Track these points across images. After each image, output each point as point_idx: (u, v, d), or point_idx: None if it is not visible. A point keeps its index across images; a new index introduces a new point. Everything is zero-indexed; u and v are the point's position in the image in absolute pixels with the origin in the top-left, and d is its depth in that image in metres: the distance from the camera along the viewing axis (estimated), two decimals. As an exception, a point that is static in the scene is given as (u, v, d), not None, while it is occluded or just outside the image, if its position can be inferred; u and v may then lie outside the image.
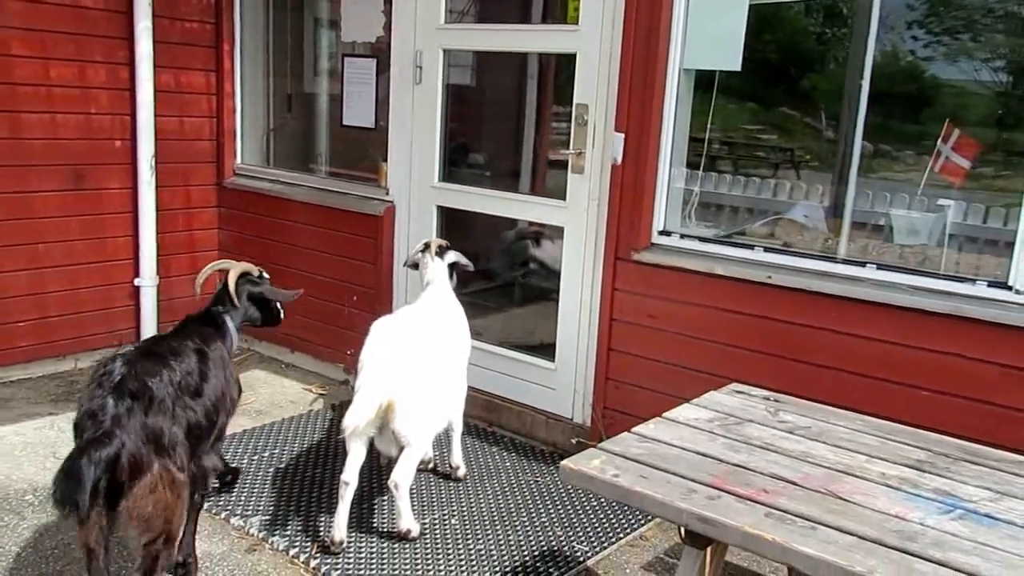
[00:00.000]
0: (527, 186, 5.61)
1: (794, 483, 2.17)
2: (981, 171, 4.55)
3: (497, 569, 2.97)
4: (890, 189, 4.80)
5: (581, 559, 3.07)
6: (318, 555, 2.99)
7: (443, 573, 2.92)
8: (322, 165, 5.18)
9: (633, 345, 3.69)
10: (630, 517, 3.36)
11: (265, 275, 3.22)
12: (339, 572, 2.90)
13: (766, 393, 2.80)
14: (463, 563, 2.99)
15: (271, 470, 3.62)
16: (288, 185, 4.92)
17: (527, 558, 3.05)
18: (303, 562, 2.96)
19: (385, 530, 3.17)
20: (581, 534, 3.23)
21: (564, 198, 3.89)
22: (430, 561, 2.99)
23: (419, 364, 3.04)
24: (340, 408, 4.14)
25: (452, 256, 3.62)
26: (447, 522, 3.26)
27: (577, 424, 3.92)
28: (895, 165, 5.46)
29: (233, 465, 3.50)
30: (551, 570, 2.99)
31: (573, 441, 3.80)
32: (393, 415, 2.89)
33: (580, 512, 3.39)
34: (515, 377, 4.15)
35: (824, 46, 6.53)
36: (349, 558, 2.98)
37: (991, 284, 2.93)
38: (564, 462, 2.26)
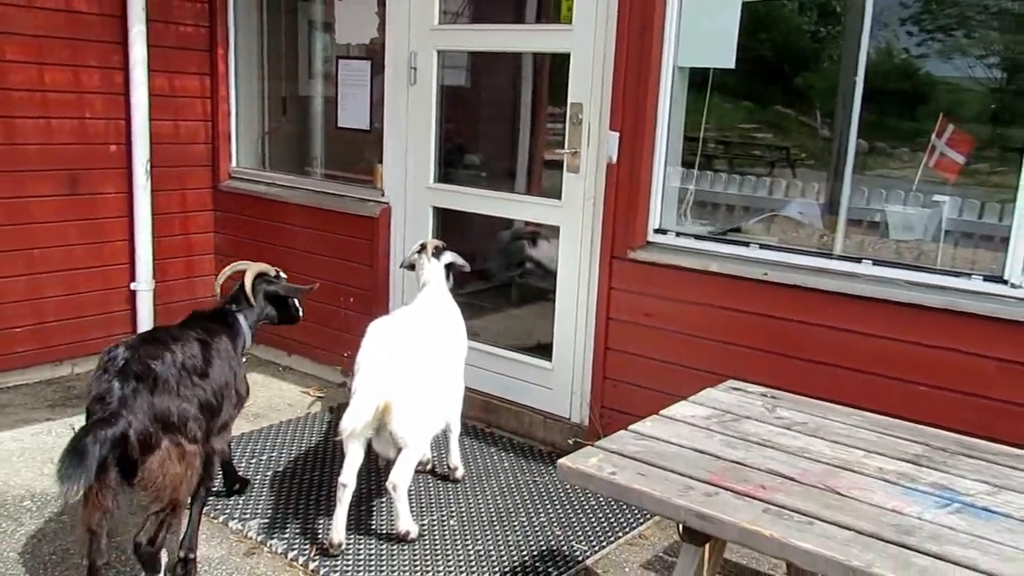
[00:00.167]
0: (523, 186, 5.61)
1: (791, 479, 2.17)
2: (976, 167, 4.56)
3: (496, 569, 2.97)
4: (885, 186, 4.80)
5: (580, 558, 3.07)
6: (317, 557, 2.98)
7: (442, 574, 2.92)
8: (317, 167, 5.18)
9: (630, 344, 3.69)
10: (629, 516, 3.36)
11: (282, 274, 3.34)
12: (338, 574, 2.89)
13: (763, 390, 2.80)
14: (462, 564, 2.99)
15: (269, 473, 3.62)
16: (284, 188, 4.92)
17: (526, 558, 3.05)
18: (302, 565, 2.96)
19: (384, 532, 3.16)
20: (580, 533, 3.23)
21: (560, 198, 3.89)
22: (429, 562, 2.98)
23: (416, 365, 3.03)
24: (338, 410, 4.13)
25: (448, 257, 3.62)
26: (446, 523, 3.26)
27: (575, 423, 3.92)
28: (890, 162, 5.47)
29: (241, 475, 3.49)
30: (550, 570, 2.99)
31: (571, 441, 3.80)
32: (390, 417, 2.88)
33: (579, 511, 3.39)
34: (513, 377, 4.14)
35: (818, 44, 6.54)
36: (348, 560, 2.97)
37: (987, 278, 2.93)
38: (562, 460, 2.26)
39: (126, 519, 3.14)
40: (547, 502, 3.46)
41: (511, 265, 5.17)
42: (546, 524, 3.28)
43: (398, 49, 4.28)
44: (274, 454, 3.80)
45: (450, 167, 4.96)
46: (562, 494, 3.52)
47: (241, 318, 3.09)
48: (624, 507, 3.38)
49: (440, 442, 3.62)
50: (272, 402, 4.44)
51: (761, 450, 2.33)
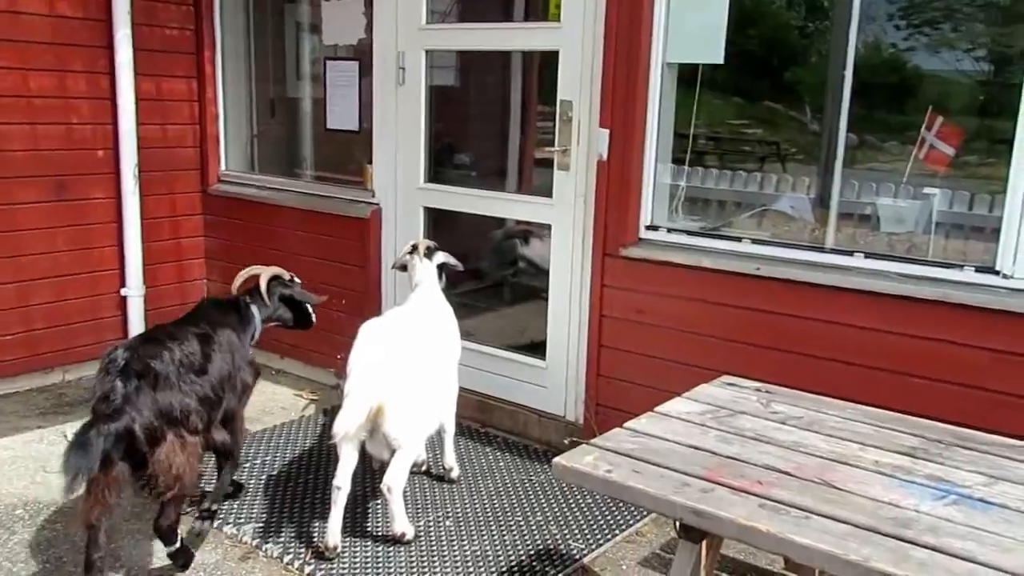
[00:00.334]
0: (514, 185, 5.60)
1: (787, 473, 2.16)
2: (966, 159, 4.57)
3: (493, 569, 2.95)
4: (876, 179, 4.81)
5: (577, 557, 3.06)
6: (312, 561, 2.97)
7: (439, 575, 2.90)
8: (307, 169, 5.16)
9: (623, 341, 3.68)
10: (625, 514, 3.35)
11: (296, 279, 3.48)
12: (334, 577, 2.88)
13: (757, 384, 2.79)
14: (459, 564, 2.97)
15: (264, 477, 3.59)
16: (273, 190, 4.89)
17: (523, 557, 3.04)
18: (297, 568, 2.94)
19: (380, 534, 3.15)
20: (577, 532, 3.22)
21: (551, 196, 3.88)
22: (425, 563, 2.97)
23: (408, 366, 3.02)
24: (332, 413, 4.10)
25: (441, 257, 3.60)
26: (442, 524, 3.24)
27: (570, 422, 3.91)
28: (880, 156, 5.48)
29: (236, 479, 3.46)
30: (547, 569, 2.97)
31: (566, 439, 3.79)
32: (383, 418, 2.86)
33: (575, 510, 3.38)
34: (507, 377, 4.13)
35: (807, 39, 6.56)
36: (344, 563, 2.96)
37: (979, 269, 2.93)
38: (557, 459, 2.25)
39: (120, 526, 3.13)
40: (543, 501, 3.45)
41: (504, 264, 5.16)
42: (543, 523, 3.27)
43: (386, 49, 4.26)
44: (268, 458, 3.78)
45: (440, 167, 4.95)
46: (558, 493, 3.51)
47: (254, 308, 3.25)
48: (621, 505, 3.37)
49: (435, 443, 3.61)
50: (266, 406, 4.41)
51: (756, 445, 2.33)
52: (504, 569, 2.96)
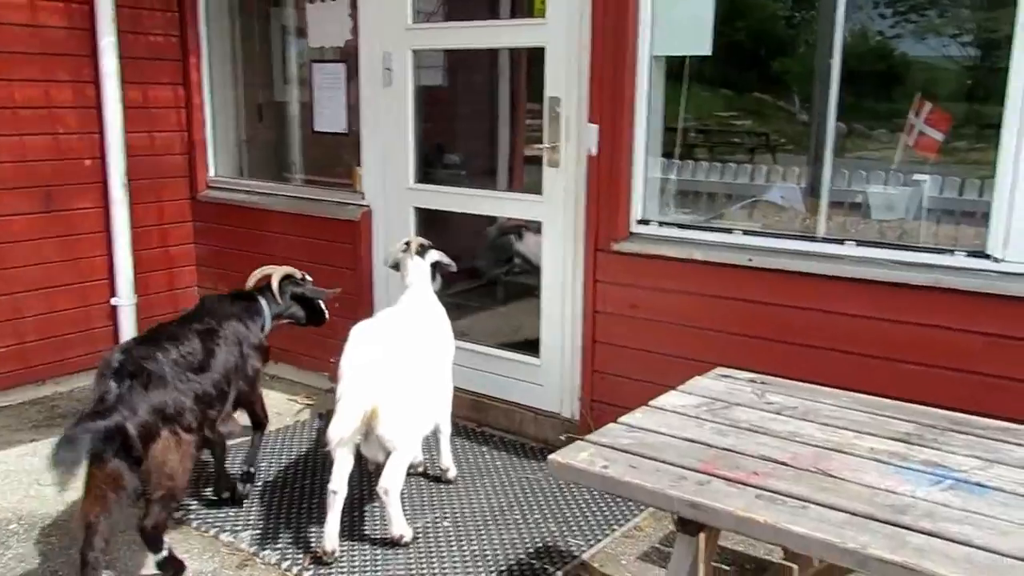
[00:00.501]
0: (505, 183, 5.59)
1: (784, 463, 2.15)
2: (956, 145, 4.58)
3: (492, 569, 2.94)
4: (866, 167, 4.82)
5: (576, 553, 3.05)
6: (311, 567, 2.95)
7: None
8: (296, 173, 5.14)
9: (617, 336, 3.68)
10: (624, 509, 3.34)
11: (308, 277, 3.61)
12: (333, 581, 2.87)
13: (751, 375, 2.78)
14: (458, 564, 2.96)
15: (260, 484, 3.58)
16: (263, 195, 4.87)
17: (522, 556, 3.02)
18: (296, 574, 2.92)
19: (378, 537, 3.13)
20: (575, 528, 3.21)
21: (541, 193, 3.87)
22: (424, 565, 2.96)
23: (401, 367, 3.00)
24: (327, 417, 4.09)
25: (434, 255, 3.58)
26: (440, 524, 3.23)
27: (566, 418, 3.90)
28: (870, 144, 5.49)
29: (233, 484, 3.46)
30: (547, 566, 2.96)
31: (562, 436, 3.78)
32: (378, 421, 2.85)
33: (573, 506, 3.37)
34: (502, 375, 4.12)
35: (794, 29, 6.57)
36: (343, 567, 2.94)
37: (970, 254, 2.93)
38: (552, 456, 2.24)
39: (117, 536, 3.10)
40: (541, 498, 3.44)
41: (500, 261, 5.14)
42: (541, 521, 3.26)
43: (372, 50, 4.25)
44: (264, 464, 3.76)
45: (430, 167, 4.94)
46: (555, 490, 3.50)
47: (264, 302, 3.37)
48: (619, 500, 3.36)
49: (431, 444, 3.59)
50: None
51: (752, 436, 2.32)
52: (504, 568, 2.95)
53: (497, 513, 3.32)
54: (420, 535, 3.14)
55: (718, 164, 5.77)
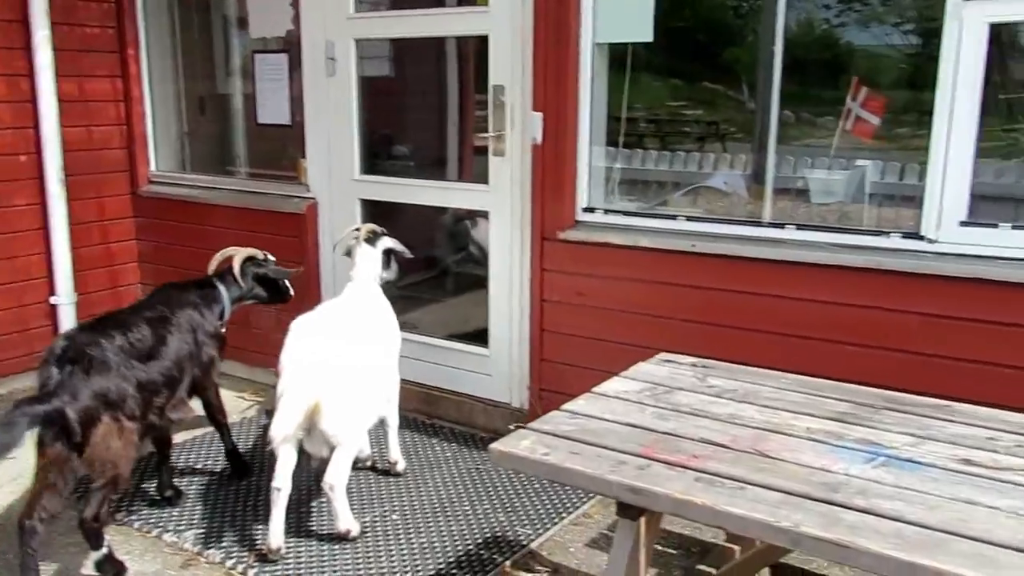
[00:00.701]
0: (455, 173, 5.54)
1: (723, 446, 2.17)
2: (899, 131, 4.65)
3: (441, 560, 2.93)
4: (812, 154, 4.87)
5: (525, 542, 3.04)
6: (256, 564, 2.91)
7: (385, 570, 2.87)
8: (241, 166, 5.04)
9: (565, 324, 3.67)
10: (572, 496, 3.34)
11: (270, 257, 3.60)
12: (278, 579, 2.83)
13: (694, 360, 2.80)
14: (406, 557, 2.94)
15: (204, 482, 3.51)
16: (206, 189, 4.78)
17: (470, 546, 3.01)
18: (240, 573, 2.88)
19: (325, 533, 3.09)
20: (524, 517, 3.20)
21: (488, 182, 3.85)
22: (372, 559, 2.93)
23: (342, 360, 2.94)
24: (273, 414, 4.04)
25: (386, 243, 3.49)
26: (388, 518, 3.20)
27: (515, 408, 3.89)
28: (817, 131, 5.56)
29: (175, 485, 3.40)
30: (495, 556, 2.95)
31: (512, 426, 3.74)
32: (320, 416, 2.80)
33: (523, 496, 3.37)
34: (452, 367, 4.10)
35: (742, 19, 6.61)
36: (288, 564, 2.90)
37: (905, 236, 2.97)
38: (494, 445, 2.23)
39: (53, 540, 3.02)
40: (490, 489, 3.43)
41: (459, 248, 5.09)
42: (490, 511, 3.25)
43: (314, 40, 4.18)
44: (208, 463, 3.70)
45: (378, 158, 4.87)
46: (505, 480, 3.49)
47: (222, 288, 3.37)
48: (568, 488, 3.36)
49: (381, 437, 3.56)
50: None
51: (693, 420, 2.33)
52: (452, 560, 2.93)
53: (447, 505, 3.30)
54: (368, 529, 3.11)
55: (667, 152, 5.79)
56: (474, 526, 3.15)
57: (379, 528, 3.13)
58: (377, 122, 4.86)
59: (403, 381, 3.55)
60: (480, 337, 4.06)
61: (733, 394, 2.51)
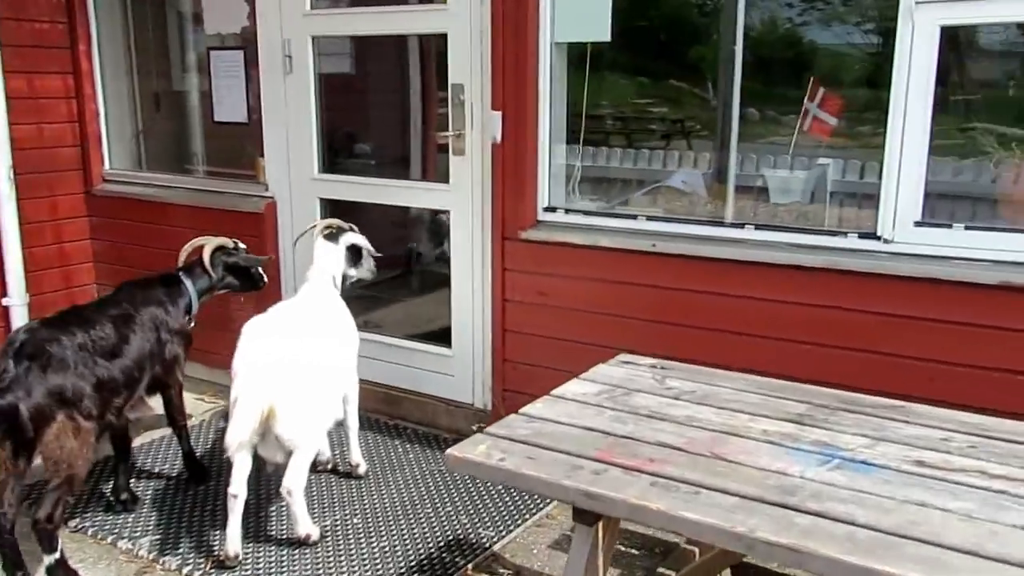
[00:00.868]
0: (418, 172, 5.50)
1: (680, 449, 2.16)
2: (860, 130, 4.69)
3: (403, 564, 2.90)
4: (775, 152, 4.90)
5: (488, 545, 3.02)
6: (212, 571, 2.86)
7: (346, 574, 2.83)
8: (198, 165, 4.96)
9: (527, 324, 3.66)
10: (536, 498, 3.33)
11: (241, 245, 3.55)
12: (234, 587, 2.78)
13: (653, 361, 2.80)
14: (367, 561, 2.91)
15: (161, 487, 3.45)
16: (163, 188, 4.69)
17: (432, 550, 2.99)
18: (196, 580, 2.83)
19: (284, 538, 3.05)
20: (487, 520, 3.19)
21: (448, 181, 3.81)
22: (332, 564, 2.89)
23: (297, 363, 2.88)
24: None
25: (350, 238, 3.41)
26: (349, 521, 3.17)
27: (479, 409, 3.87)
28: (781, 129, 5.59)
29: (132, 489, 3.34)
30: (457, 559, 2.93)
31: (474, 427, 3.74)
32: (275, 420, 2.75)
33: (486, 498, 3.35)
34: (415, 367, 4.06)
35: (706, 17, 6.63)
36: (247, 570, 2.86)
37: (861, 235, 2.99)
38: (449, 451, 2.21)
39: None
40: (453, 491, 3.40)
41: (437, 243, 5.03)
42: (452, 513, 3.23)
43: (271, 37, 4.11)
44: (165, 467, 3.63)
45: (339, 156, 4.82)
46: (468, 482, 3.47)
47: (188, 282, 3.33)
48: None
49: (342, 440, 3.52)
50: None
51: (650, 423, 2.32)
52: (414, 563, 2.91)
53: (408, 507, 3.28)
54: (328, 534, 3.07)
55: (631, 151, 5.79)
56: (436, 529, 3.12)
57: (340, 532, 3.09)
58: (338, 120, 4.80)
59: (365, 381, 3.51)
60: (443, 337, 4.03)
61: (691, 396, 2.51)
